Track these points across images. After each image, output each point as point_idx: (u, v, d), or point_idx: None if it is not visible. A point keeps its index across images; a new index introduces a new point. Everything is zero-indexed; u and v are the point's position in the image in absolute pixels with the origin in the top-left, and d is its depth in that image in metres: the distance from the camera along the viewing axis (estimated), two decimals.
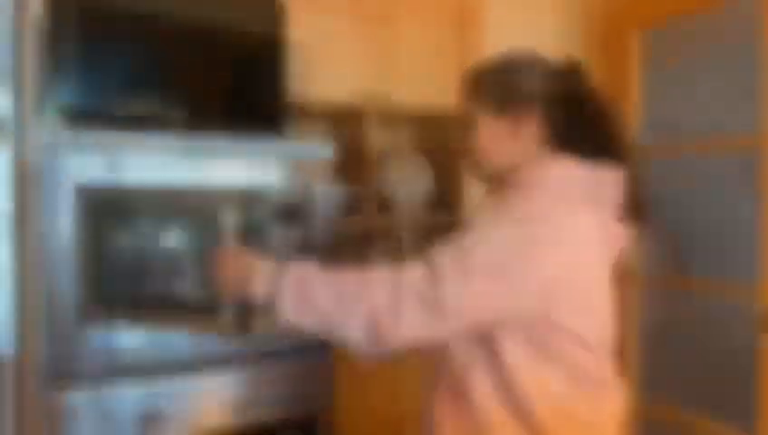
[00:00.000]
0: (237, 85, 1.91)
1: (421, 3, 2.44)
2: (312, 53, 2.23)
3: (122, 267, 1.55)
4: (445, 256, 1.13)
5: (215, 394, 1.60)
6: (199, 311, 1.49)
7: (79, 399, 1.46)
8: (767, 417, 1.96)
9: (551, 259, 1.11)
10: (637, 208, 1.25)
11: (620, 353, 1.30)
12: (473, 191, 2.32)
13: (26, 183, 1.43)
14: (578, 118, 1.23)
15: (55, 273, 1.45)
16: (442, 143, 2.53)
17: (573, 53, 2.69)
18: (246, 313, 1.33)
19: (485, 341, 1.17)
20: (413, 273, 1.13)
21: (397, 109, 2.34)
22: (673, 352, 2.35)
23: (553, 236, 1.12)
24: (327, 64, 2.27)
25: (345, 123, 2.39)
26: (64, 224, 1.46)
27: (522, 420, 1.17)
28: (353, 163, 2.27)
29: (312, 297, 1.16)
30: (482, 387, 1.18)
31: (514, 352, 1.16)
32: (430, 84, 2.39)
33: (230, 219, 1.40)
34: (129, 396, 1.51)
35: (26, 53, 1.44)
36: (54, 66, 1.61)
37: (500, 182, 1.27)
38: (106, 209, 1.50)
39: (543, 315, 1.13)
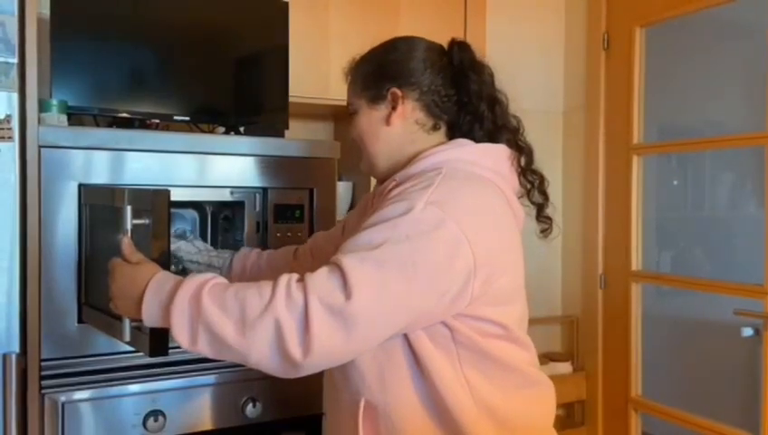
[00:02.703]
0: (239, 85, 1.91)
1: (423, 2, 2.43)
2: (313, 51, 2.23)
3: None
4: (353, 257, 0.96)
5: (215, 393, 1.60)
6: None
7: (79, 399, 1.47)
8: None
9: (467, 248, 1.00)
10: (533, 186, 1.21)
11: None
12: None
13: (28, 183, 1.43)
14: (459, 97, 1.18)
15: (56, 272, 1.45)
16: None
17: (576, 50, 2.69)
18: (154, 333, 1.10)
19: (403, 344, 1.06)
20: (320, 277, 0.96)
21: None
22: (674, 351, 2.34)
23: (464, 222, 1.01)
24: (328, 63, 2.26)
25: (346, 122, 2.38)
26: (66, 223, 1.46)
27: (449, 429, 1.06)
28: (355, 162, 2.27)
29: (207, 321, 0.96)
30: (397, 397, 1.06)
31: (435, 355, 1.05)
32: None
33: (129, 223, 1.16)
34: (129, 395, 1.51)
35: (29, 52, 1.44)
36: (57, 66, 1.61)
37: (392, 175, 1.16)
38: (107, 209, 1.50)
39: (463, 310, 1.03)
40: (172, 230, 1.61)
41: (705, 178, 2.35)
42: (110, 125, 1.73)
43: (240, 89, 1.91)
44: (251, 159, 1.66)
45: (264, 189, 1.69)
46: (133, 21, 1.74)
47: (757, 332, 1.98)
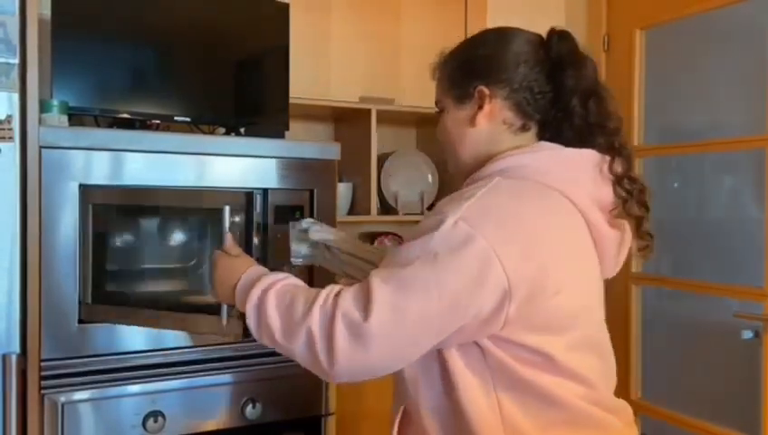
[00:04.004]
0: (239, 86, 1.91)
1: (423, 3, 2.43)
2: (313, 52, 2.23)
3: (124, 267, 1.55)
4: (382, 275, 0.96)
5: (215, 394, 1.60)
6: (201, 311, 1.42)
7: (79, 399, 1.47)
8: None
9: (498, 268, 0.92)
10: (631, 196, 1.05)
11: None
12: None
13: (28, 183, 1.43)
14: (554, 94, 1.07)
15: (57, 272, 1.45)
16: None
17: None
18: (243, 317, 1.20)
19: (435, 357, 1.00)
20: (349, 294, 0.96)
21: (399, 108, 2.34)
22: (673, 353, 2.34)
23: (498, 240, 0.93)
24: (329, 64, 2.27)
25: (347, 123, 2.39)
26: (66, 224, 1.46)
27: None
28: (355, 163, 2.27)
29: (266, 318, 1.02)
30: (428, 408, 1.03)
31: (466, 374, 0.98)
32: (432, 83, 2.38)
33: (230, 220, 1.32)
34: (129, 396, 1.51)
35: (30, 53, 1.44)
36: (58, 66, 1.61)
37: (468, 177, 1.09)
38: (108, 209, 1.51)
39: (497, 332, 0.96)
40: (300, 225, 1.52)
41: (706, 180, 2.35)
42: (110, 126, 1.73)
43: (240, 90, 1.91)
44: (251, 160, 1.66)
45: (265, 190, 1.69)
46: (134, 21, 1.74)
47: (757, 334, 1.98)
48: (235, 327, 1.30)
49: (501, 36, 1.13)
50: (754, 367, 1.98)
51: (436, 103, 1.17)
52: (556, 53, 1.08)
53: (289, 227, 1.46)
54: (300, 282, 1.08)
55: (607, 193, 1.05)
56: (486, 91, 1.08)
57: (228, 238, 1.25)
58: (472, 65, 1.11)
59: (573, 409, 1.00)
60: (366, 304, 0.93)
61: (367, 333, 0.92)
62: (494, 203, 0.98)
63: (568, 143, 1.06)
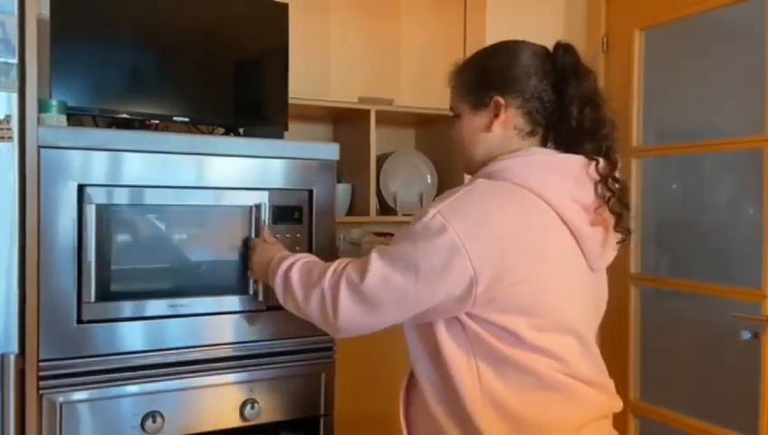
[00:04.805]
0: (238, 86, 1.91)
1: (423, 4, 2.43)
2: (312, 53, 2.23)
3: (122, 266, 1.55)
4: (381, 250, 1.16)
5: (215, 394, 1.60)
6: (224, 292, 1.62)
7: (77, 399, 1.46)
8: None
9: (464, 256, 1.07)
10: (613, 194, 1.16)
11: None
12: None
13: (27, 183, 1.43)
14: (560, 103, 1.18)
15: (56, 272, 1.45)
16: (442, 143, 2.52)
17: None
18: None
19: (427, 330, 1.16)
20: (353, 263, 1.19)
21: (398, 108, 2.34)
22: (672, 354, 2.34)
23: (466, 233, 1.08)
24: (328, 64, 2.27)
25: (346, 123, 2.39)
26: (65, 224, 1.46)
27: (460, 421, 1.13)
28: (354, 163, 2.27)
29: (290, 287, 1.28)
30: (423, 373, 1.18)
31: (450, 343, 1.14)
32: (431, 84, 2.38)
33: (266, 213, 1.60)
34: (127, 396, 1.51)
35: (29, 52, 1.44)
36: (57, 66, 1.61)
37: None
38: (107, 209, 1.50)
39: (471, 311, 1.11)
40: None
41: (705, 181, 2.35)
42: (109, 126, 1.73)
43: (240, 90, 1.91)
44: (250, 160, 1.66)
45: (264, 191, 1.69)
46: (133, 22, 1.74)
47: (756, 335, 1.98)
48: (267, 301, 1.58)
49: (512, 50, 1.24)
50: (754, 368, 1.98)
51: (451, 108, 1.30)
52: (562, 65, 1.20)
53: (341, 238, 1.73)
54: (318, 259, 1.34)
55: (591, 194, 1.16)
56: (502, 101, 1.20)
57: (266, 229, 1.58)
58: (488, 76, 1.23)
59: (546, 378, 1.13)
60: (364, 270, 1.15)
61: (363, 292, 1.14)
62: (468, 202, 1.12)
63: (563, 147, 1.19)
